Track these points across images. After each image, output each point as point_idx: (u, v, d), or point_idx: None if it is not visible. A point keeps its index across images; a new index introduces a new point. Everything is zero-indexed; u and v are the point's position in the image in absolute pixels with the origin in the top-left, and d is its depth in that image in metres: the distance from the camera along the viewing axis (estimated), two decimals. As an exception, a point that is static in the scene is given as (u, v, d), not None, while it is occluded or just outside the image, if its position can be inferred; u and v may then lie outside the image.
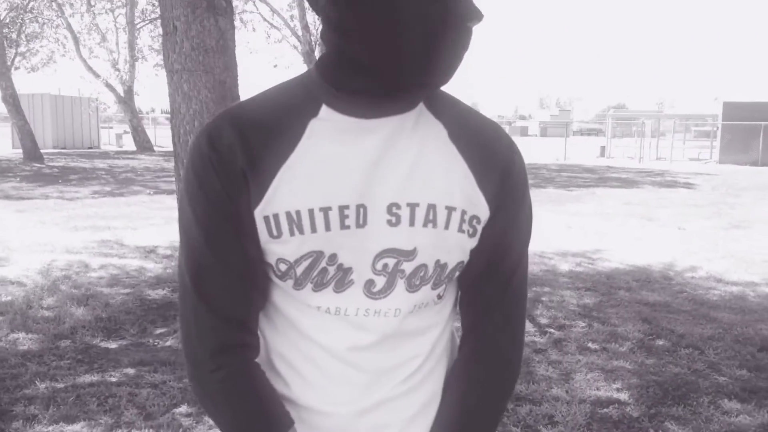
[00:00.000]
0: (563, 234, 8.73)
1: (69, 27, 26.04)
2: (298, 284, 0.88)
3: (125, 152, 28.50)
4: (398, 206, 0.86)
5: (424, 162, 0.87)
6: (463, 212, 0.88)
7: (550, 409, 3.20)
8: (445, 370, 0.97)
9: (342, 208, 0.85)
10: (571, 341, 4.31)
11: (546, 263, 6.77)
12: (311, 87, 0.88)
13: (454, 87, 0.91)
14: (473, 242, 0.90)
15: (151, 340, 4.10)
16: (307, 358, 0.90)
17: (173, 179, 17.05)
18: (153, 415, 3.03)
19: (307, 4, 15.06)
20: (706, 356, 4.07)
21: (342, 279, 0.87)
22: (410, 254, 0.87)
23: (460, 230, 0.88)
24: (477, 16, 0.78)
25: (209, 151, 0.84)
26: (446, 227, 0.87)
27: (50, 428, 2.87)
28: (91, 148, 32.12)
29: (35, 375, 3.43)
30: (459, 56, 0.81)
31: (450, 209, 0.87)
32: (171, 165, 21.71)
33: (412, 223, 0.86)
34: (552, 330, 4.55)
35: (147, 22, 28.77)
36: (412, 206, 0.86)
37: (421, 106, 0.88)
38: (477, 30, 0.83)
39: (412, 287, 0.88)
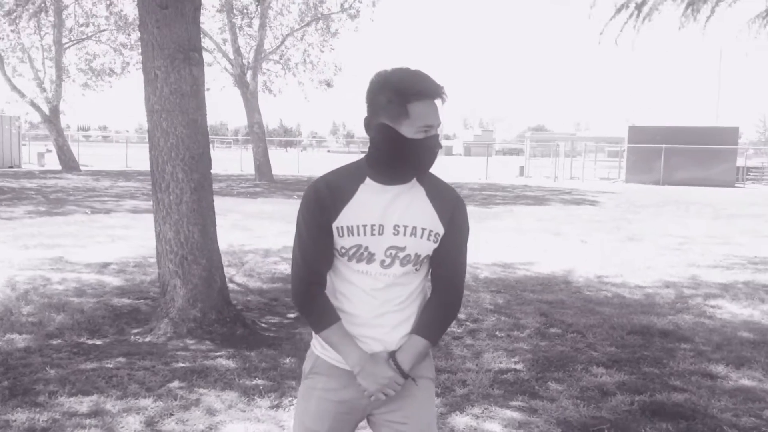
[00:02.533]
0: (481, 246, 9.81)
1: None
2: (349, 259, 1.80)
3: (50, 171, 28.06)
4: (398, 226, 1.79)
5: (413, 206, 1.81)
6: (431, 231, 1.82)
7: (463, 376, 4.16)
8: (417, 305, 1.88)
9: (372, 225, 1.78)
10: (483, 330, 5.29)
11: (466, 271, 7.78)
12: (363, 167, 1.82)
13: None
14: (435, 245, 1.84)
15: (131, 338, 4.80)
16: (351, 292, 1.83)
17: (106, 198, 17.24)
18: (152, 388, 3.78)
19: (238, 31, 16.28)
20: (586, 339, 5.14)
21: (370, 258, 1.80)
22: (403, 249, 1.81)
23: (428, 240, 1.82)
24: (439, 146, 1.77)
25: (315, 196, 1.78)
26: (421, 237, 1.81)
27: (71, 399, 3.58)
28: (11, 167, 31.33)
29: (43, 364, 4.11)
30: (432, 163, 1.78)
31: (423, 229, 1.81)
32: (100, 184, 21.80)
33: (405, 234, 1.80)
34: (468, 323, 5.52)
35: (74, 42, 28.63)
36: (405, 227, 1.80)
37: (414, 179, 1.84)
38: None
39: (403, 264, 1.82)
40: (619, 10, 6.77)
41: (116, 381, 3.87)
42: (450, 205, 1.84)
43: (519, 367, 4.41)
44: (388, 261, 1.79)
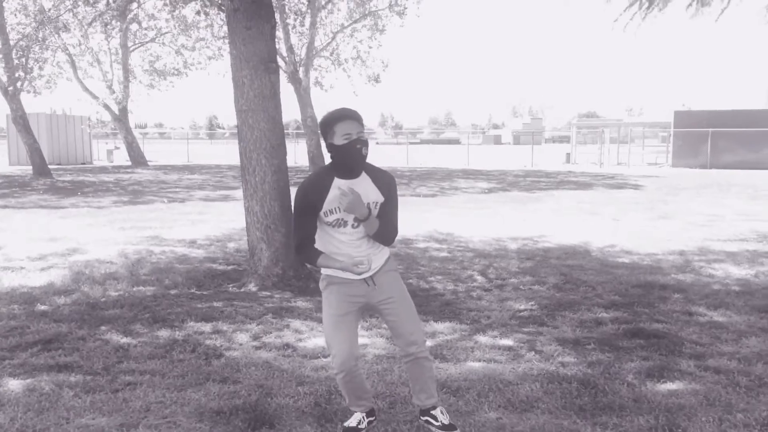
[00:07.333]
0: (518, 225, 10.87)
1: (67, 51, 27.79)
2: (333, 227, 3.08)
3: (121, 167, 30.22)
4: None
5: (366, 190, 3.05)
6: (377, 202, 3.09)
7: (488, 313, 5.31)
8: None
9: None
10: (509, 285, 6.42)
11: (499, 244, 8.90)
12: (331, 170, 3.07)
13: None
14: (379, 209, 3.09)
15: (229, 289, 6.15)
16: (339, 244, 3.09)
17: (178, 189, 18.86)
18: (253, 318, 5.10)
19: (290, 30, 17.97)
20: (595, 291, 6.20)
21: (345, 225, 3.08)
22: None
23: (376, 207, 3.09)
24: (363, 144, 3.03)
25: (303, 194, 3.05)
26: (373, 207, 3.06)
27: (197, 324, 4.94)
28: (84, 163, 33.79)
29: (170, 304, 5.47)
30: (360, 158, 3.04)
31: (375, 202, 3.08)
32: (170, 177, 23.66)
33: None
34: (497, 281, 6.65)
35: (138, 45, 30.69)
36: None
37: (363, 172, 3.09)
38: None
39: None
40: (630, 5, 7.73)
41: (226, 314, 5.21)
42: (385, 182, 3.11)
43: (534, 308, 5.54)
44: (355, 224, 3.06)
